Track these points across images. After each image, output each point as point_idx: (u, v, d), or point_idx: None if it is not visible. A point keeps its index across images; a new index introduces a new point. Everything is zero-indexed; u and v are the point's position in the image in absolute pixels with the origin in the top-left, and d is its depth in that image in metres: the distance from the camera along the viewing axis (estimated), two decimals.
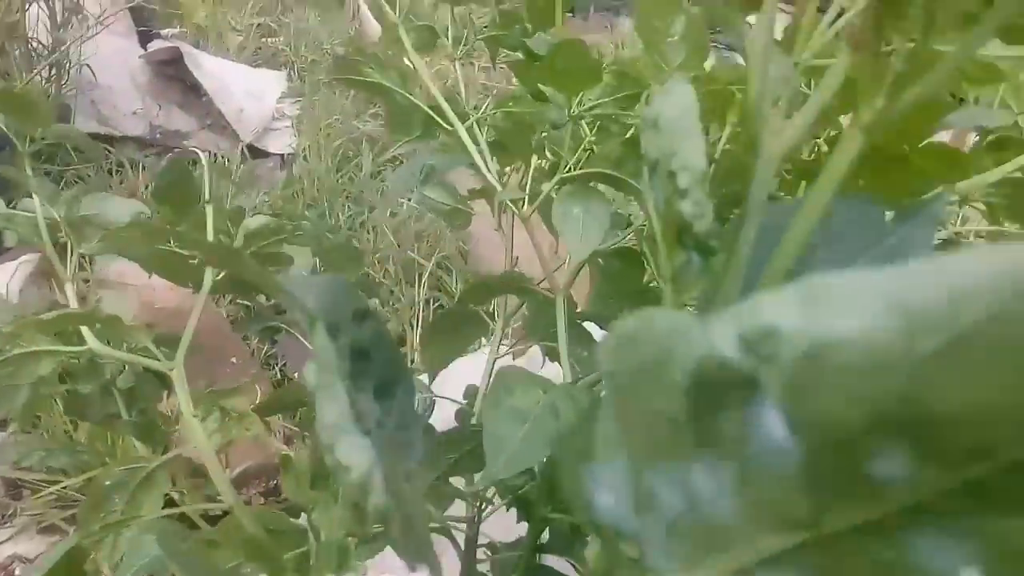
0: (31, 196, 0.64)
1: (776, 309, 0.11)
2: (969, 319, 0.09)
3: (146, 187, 2.05)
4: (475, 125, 0.54)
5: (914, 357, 0.10)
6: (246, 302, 1.55)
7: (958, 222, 0.65)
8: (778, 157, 0.21)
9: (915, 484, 0.11)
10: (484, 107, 0.54)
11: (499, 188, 0.48)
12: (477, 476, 0.66)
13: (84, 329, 0.56)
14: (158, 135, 2.37)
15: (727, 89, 0.39)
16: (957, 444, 0.10)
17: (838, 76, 0.21)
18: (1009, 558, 0.11)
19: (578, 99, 0.46)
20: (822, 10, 0.32)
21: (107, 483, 0.55)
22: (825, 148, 0.45)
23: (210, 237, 0.60)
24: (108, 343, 0.57)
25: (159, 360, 0.56)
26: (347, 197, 2.24)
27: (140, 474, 0.55)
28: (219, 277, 0.62)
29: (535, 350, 0.77)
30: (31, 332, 0.55)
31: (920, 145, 0.45)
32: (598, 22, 4.17)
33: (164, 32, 3.00)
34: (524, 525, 0.59)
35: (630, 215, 0.71)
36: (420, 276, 1.85)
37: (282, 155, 2.49)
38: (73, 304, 0.59)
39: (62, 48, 2.03)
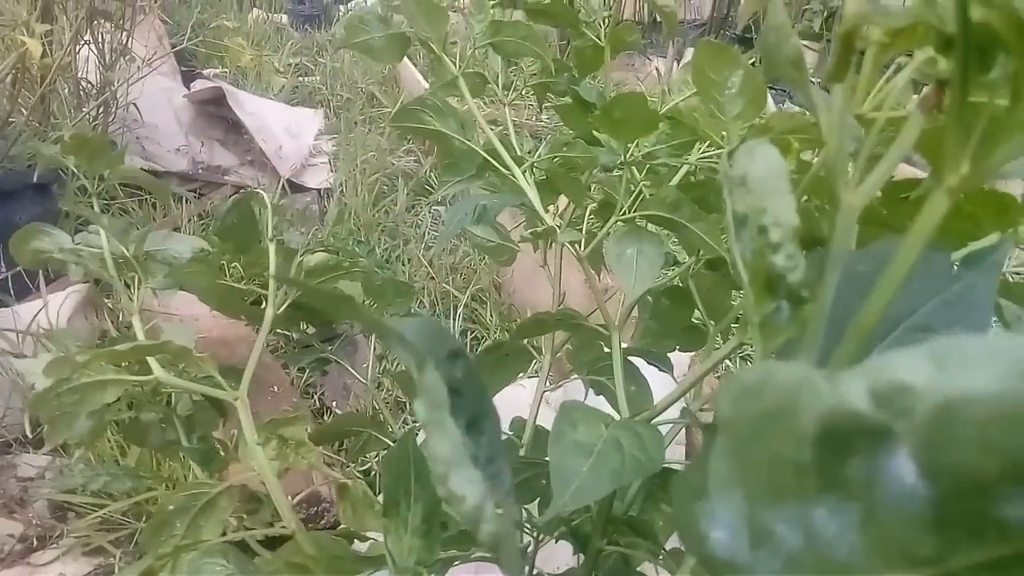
0: (86, 229, 0.67)
1: (908, 368, 0.12)
2: None
3: (188, 220, 2.10)
4: (531, 168, 0.55)
5: None
6: (286, 332, 1.58)
7: (1010, 263, 0.65)
8: (856, 212, 0.23)
9: None
10: (537, 151, 0.55)
11: (559, 231, 0.49)
12: (526, 507, 0.67)
13: (150, 359, 0.58)
14: (200, 171, 2.43)
15: (784, 138, 0.40)
16: None
17: (910, 138, 0.22)
18: None
19: (634, 145, 0.48)
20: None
21: (170, 507, 0.56)
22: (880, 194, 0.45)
23: (272, 274, 0.62)
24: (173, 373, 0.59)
25: (224, 389, 0.57)
26: (382, 231, 2.28)
27: (202, 499, 0.56)
28: (280, 311, 0.64)
29: (573, 382, 0.78)
30: (100, 362, 0.57)
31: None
32: (621, 61, 4.22)
33: (207, 72, 3.09)
34: (566, 557, 0.59)
35: (676, 254, 0.73)
36: (455, 308, 1.87)
37: (319, 190, 2.54)
38: (140, 335, 0.61)
39: (110, 88, 2.10)
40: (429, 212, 2.34)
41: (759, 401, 0.15)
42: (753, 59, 0.46)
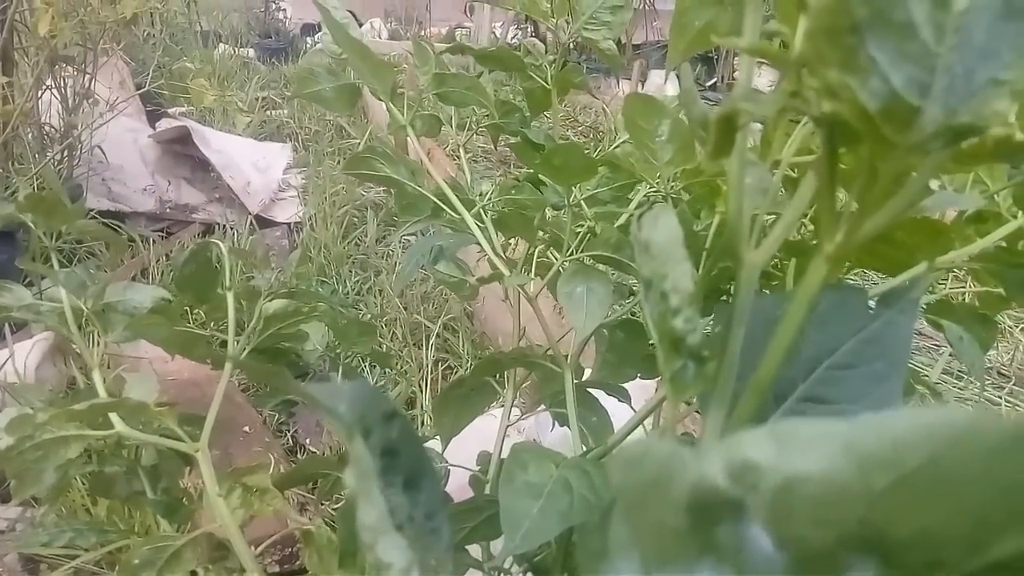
0: (43, 282, 0.67)
1: (755, 447, 0.13)
2: (913, 463, 0.12)
3: (156, 260, 2.09)
4: (481, 210, 0.57)
5: (868, 492, 0.12)
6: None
7: (949, 282, 0.67)
8: (757, 268, 0.24)
9: None
10: (489, 192, 0.57)
11: (507, 273, 0.51)
12: (492, 543, 0.68)
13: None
14: (168, 210, 2.42)
15: (714, 180, 0.42)
16: (915, 559, 0.13)
17: (807, 196, 0.24)
18: None
19: (576, 188, 0.49)
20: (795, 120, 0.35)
21: (136, 561, 0.56)
22: (811, 226, 0.47)
23: (231, 323, 0.63)
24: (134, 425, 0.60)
25: (184, 441, 0.58)
26: (353, 263, 2.28)
27: (167, 552, 0.57)
28: (242, 357, 0.64)
29: (545, 411, 0.79)
30: (61, 420, 0.57)
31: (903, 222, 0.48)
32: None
33: (172, 111, 3.09)
34: None
35: (632, 285, 0.74)
36: (428, 338, 1.87)
37: (289, 224, 2.54)
38: (100, 390, 0.62)
39: (74, 132, 2.09)
40: (400, 243, 2.35)
41: (641, 472, 0.16)
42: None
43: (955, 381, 1.92)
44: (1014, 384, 1.98)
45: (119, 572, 0.56)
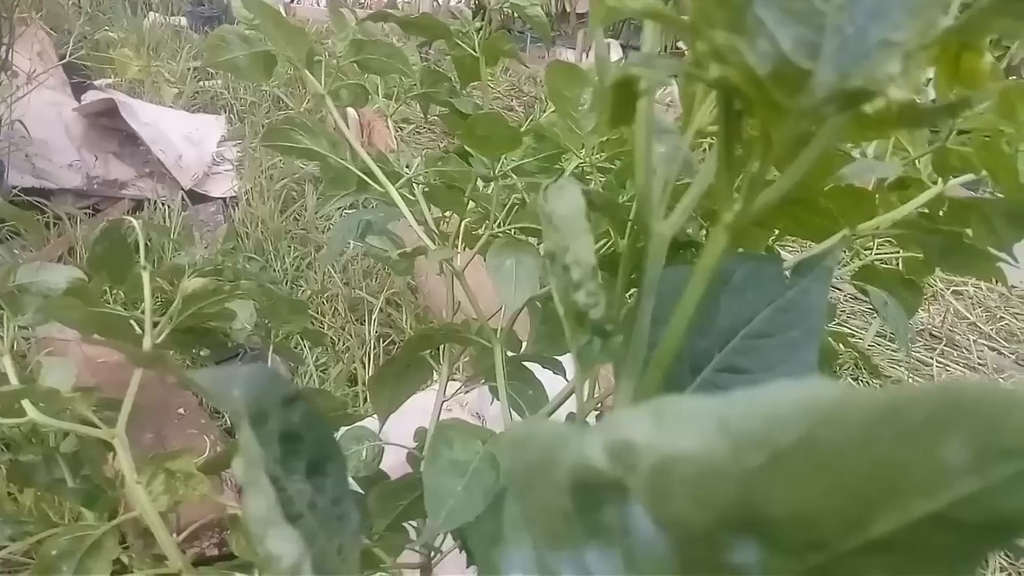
0: None
1: (632, 426, 0.13)
2: (786, 440, 0.11)
3: (83, 239, 2.02)
4: (412, 183, 0.55)
5: (743, 471, 0.12)
6: (192, 350, 1.53)
7: (875, 248, 0.68)
8: (666, 240, 0.23)
9: (768, 570, 0.13)
10: (415, 165, 0.55)
11: (432, 247, 0.50)
12: (429, 520, 0.67)
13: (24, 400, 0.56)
14: (95, 186, 2.33)
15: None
16: (794, 538, 0.12)
17: (711, 171, 0.23)
18: None
19: (501, 161, 0.48)
20: None
21: (54, 552, 0.54)
22: None
23: (147, 302, 0.60)
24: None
25: (99, 427, 0.56)
26: (292, 238, 2.24)
27: (88, 541, 0.55)
28: (159, 340, 0.62)
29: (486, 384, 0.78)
30: None
31: (826, 188, 0.48)
32: (534, 53, 4.25)
33: (98, 83, 2.97)
34: (469, 566, 0.60)
35: None
36: (370, 313, 1.85)
37: (224, 199, 2.47)
38: (12, 376, 0.59)
39: None
40: (340, 217, 2.31)
41: (526, 454, 0.15)
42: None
43: (889, 344, 1.98)
44: (944, 345, 2.05)
45: (37, 564, 0.54)
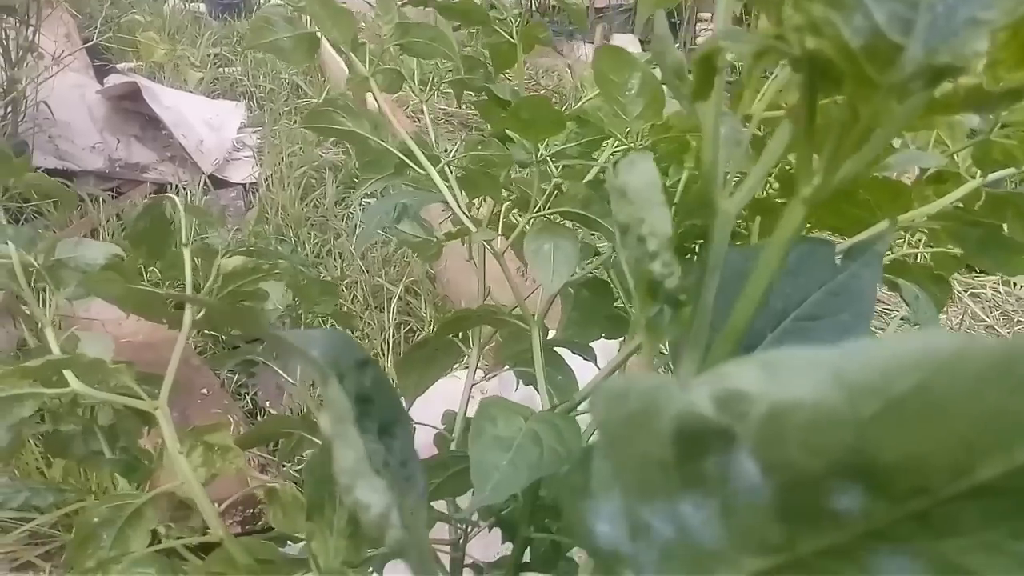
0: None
1: (742, 376, 0.13)
2: (901, 388, 0.12)
3: (107, 221, 2.04)
4: (446, 167, 0.56)
5: (857, 418, 0.12)
6: (213, 333, 1.55)
7: (905, 245, 0.68)
8: (732, 218, 0.24)
9: (870, 515, 0.13)
10: (454, 149, 0.56)
11: (473, 229, 0.50)
12: (459, 499, 0.68)
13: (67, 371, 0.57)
14: (117, 168, 2.35)
15: (683, 136, 0.42)
16: (900, 484, 0.13)
17: (779, 148, 0.24)
18: (948, 571, 0.14)
19: (544, 144, 0.49)
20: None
21: (95, 520, 0.55)
22: (776, 185, 0.48)
23: (188, 279, 0.61)
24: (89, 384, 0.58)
25: (142, 399, 0.57)
26: (312, 225, 2.25)
27: (127, 510, 0.56)
28: (199, 316, 0.63)
29: (508, 371, 0.79)
30: (14, 378, 0.56)
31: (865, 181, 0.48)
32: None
33: (120, 66, 2.99)
34: (504, 544, 0.61)
35: (597, 244, 0.74)
36: (389, 301, 1.86)
37: (244, 185, 2.49)
38: (54, 347, 0.60)
39: (18, 87, 2.01)
40: (360, 205, 2.32)
41: (625, 405, 0.16)
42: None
43: None
44: None
45: (77, 532, 0.55)
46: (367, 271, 2.00)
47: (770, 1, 0.18)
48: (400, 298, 1.89)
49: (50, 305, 0.63)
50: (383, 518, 0.21)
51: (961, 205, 0.53)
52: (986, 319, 2.21)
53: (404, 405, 0.72)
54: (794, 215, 0.20)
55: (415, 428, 0.72)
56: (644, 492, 0.17)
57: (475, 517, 0.58)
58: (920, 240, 0.67)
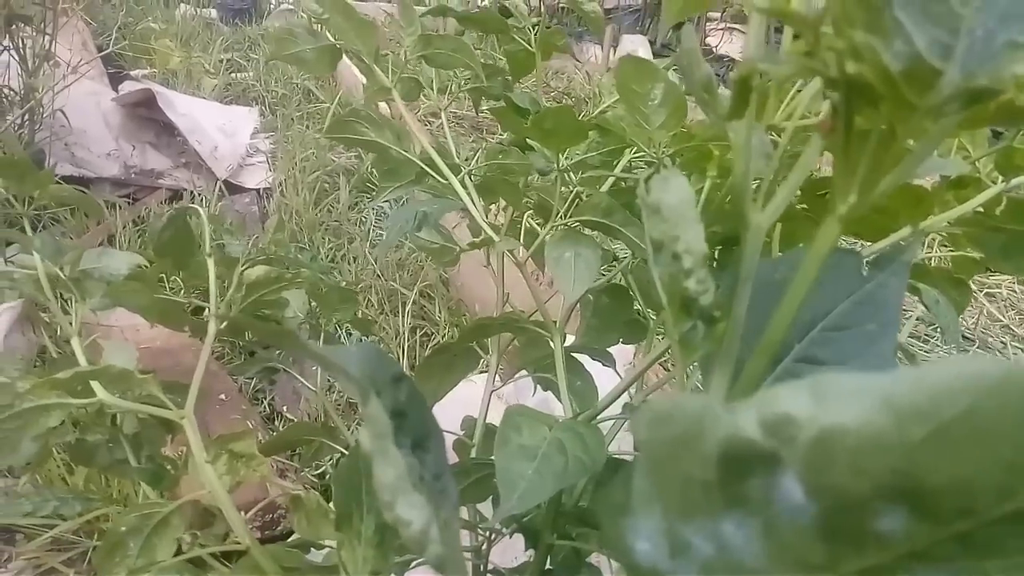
0: (6, 250, 0.66)
1: (790, 400, 0.14)
2: (949, 413, 0.12)
3: (123, 227, 2.05)
4: (466, 176, 0.56)
5: (905, 442, 0.12)
6: (230, 339, 1.56)
7: (923, 248, 0.68)
8: (763, 232, 0.24)
9: (913, 536, 0.14)
10: (474, 157, 0.56)
11: (496, 239, 0.51)
12: (479, 506, 0.69)
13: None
14: (133, 175, 2.37)
15: (705, 145, 0.42)
16: (946, 506, 0.13)
17: (812, 159, 0.24)
18: None
19: (564, 153, 0.49)
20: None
21: (123, 528, 0.56)
22: (798, 192, 0.48)
23: (213, 289, 0.62)
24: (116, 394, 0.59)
25: (169, 408, 0.57)
26: (326, 230, 2.26)
27: (154, 519, 0.56)
28: (223, 326, 0.64)
29: (526, 377, 0.79)
30: (43, 389, 0.57)
31: None
32: None
33: (135, 73, 3.01)
34: (524, 551, 0.61)
35: (615, 250, 0.74)
36: (403, 305, 1.87)
37: (258, 190, 2.51)
38: (81, 358, 0.61)
39: (35, 95, 2.03)
40: (373, 210, 2.33)
41: (670, 427, 0.16)
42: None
43: (921, 344, 1.97)
44: (977, 347, 2.03)
45: (104, 541, 0.55)
46: (381, 275, 2.01)
47: (806, 24, 0.18)
48: (414, 302, 1.89)
49: (75, 314, 0.63)
50: (424, 534, 0.21)
51: (982, 210, 0.53)
52: (1002, 318, 2.20)
53: (436, 420, 0.72)
54: (830, 232, 0.21)
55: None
56: (686, 511, 0.17)
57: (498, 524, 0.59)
58: (936, 241, 0.67)
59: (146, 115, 2.51)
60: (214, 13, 4.39)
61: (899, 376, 0.13)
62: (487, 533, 0.56)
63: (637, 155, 0.54)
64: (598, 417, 0.54)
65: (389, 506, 0.21)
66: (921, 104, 0.18)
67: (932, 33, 0.17)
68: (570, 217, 0.51)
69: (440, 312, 1.89)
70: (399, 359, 1.72)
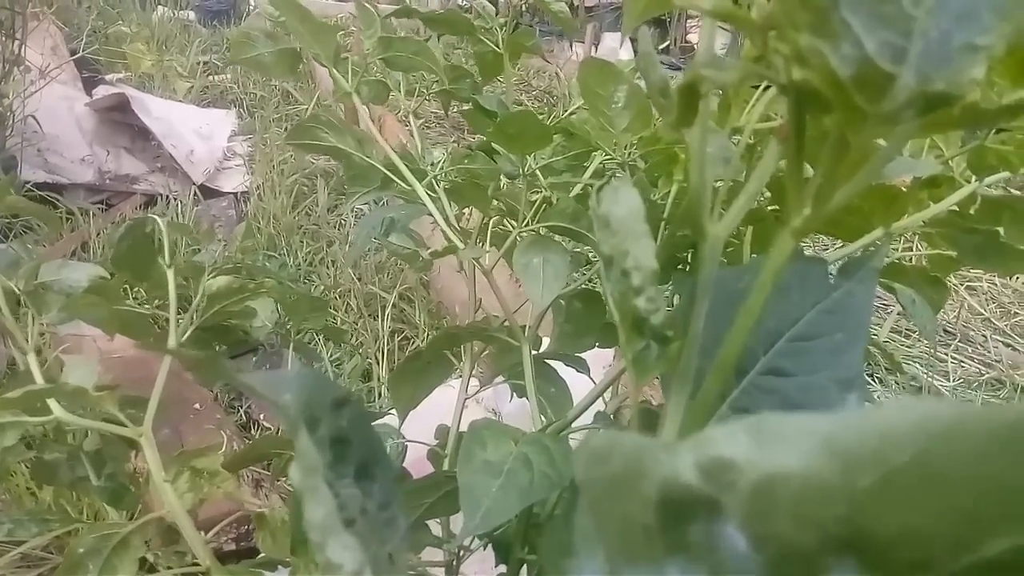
0: None
1: (730, 443, 0.12)
2: (900, 459, 0.11)
3: (97, 234, 2.02)
4: (433, 180, 0.55)
5: (852, 490, 0.11)
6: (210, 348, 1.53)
7: (900, 247, 0.68)
8: (721, 243, 0.23)
9: None
10: (441, 162, 0.55)
11: (461, 246, 0.49)
12: (451, 518, 0.67)
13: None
14: (107, 181, 2.34)
15: (671, 149, 0.41)
16: (899, 558, 0.12)
17: (770, 165, 0.23)
18: None
19: (531, 158, 0.48)
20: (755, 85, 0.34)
21: (81, 550, 0.54)
22: (768, 193, 0.47)
23: (172, 300, 0.60)
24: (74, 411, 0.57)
25: (127, 425, 0.56)
26: (304, 233, 2.24)
27: (114, 539, 0.55)
28: (184, 339, 0.62)
29: (502, 381, 0.78)
30: None
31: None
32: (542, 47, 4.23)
33: (109, 77, 2.97)
34: (498, 564, 0.60)
35: (589, 254, 0.73)
36: (383, 309, 1.85)
37: (235, 194, 2.48)
38: (37, 375, 0.59)
39: (5, 101, 2.00)
40: (352, 212, 2.31)
41: (607, 466, 0.15)
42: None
43: (903, 340, 1.97)
44: (959, 341, 2.04)
45: (64, 563, 0.54)
46: (360, 279, 1.99)
47: (754, 28, 0.17)
48: (394, 305, 1.87)
49: (33, 328, 0.61)
50: None
51: (957, 209, 0.52)
52: (983, 312, 2.21)
53: (389, 430, 0.71)
54: (783, 246, 0.19)
55: (407, 446, 0.71)
56: (628, 554, 0.16)
57: (470, 540, 0.57)
58: (916, 238, 0.66)
59: (120, 120, 2.47)
60: (192, 15, 4.34)
61: (843, 418, 0.12)
62: (457, 551, 0.54)
63: (608, 159, 0.53)
64: (571, 426, 0.52)
65: (320, 547, 0.20)
66: (874, 111, 0.16)
67: (883, 36, 0.16)
68: (538, 222, 0.50)
69: (420, 315, 1.88)
70: (379, 363, 1.70)
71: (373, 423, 0.76)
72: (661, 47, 4.51)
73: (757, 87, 0.37)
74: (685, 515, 0.14)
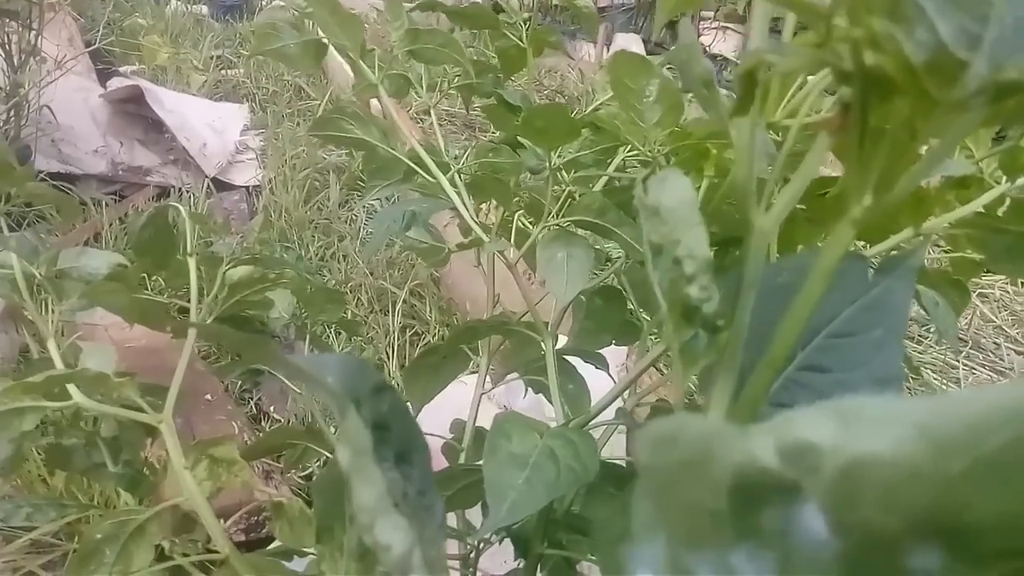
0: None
1: (813, 427, 0.12)
2: (993, 444, 0.11)
3: (110, 225, 2.03)
4: (455, 174, 0.55)
5: (943, 475, 0.11)
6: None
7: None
8: (768, 236, 0.23)
9: None
10: (464, 156, 0.55)
11: (486, 239, 0.49)
12: (468, 512, 0.67)
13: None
14: (120, 172, 2.34)
15: (702, 144, 0.41)
16: (988, 546, 0.12)
17: (818, 160, 0.23)
18: None
19: (556, 152, 0.48)
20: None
21: (97, 536, 0.54)
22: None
23: (193, 289, 0.60)
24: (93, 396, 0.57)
25: (147, 412, 0.56)
26: (315, 228, 2.24)
27: (131, 526, 0.55)
28: (197, 331, 0.62)
29: (516, 378, 0.78)
30: (16, 393, 0.55)
31: None
32: None
33: (123, 69, 2.98)
34: (513, 557, 0.59)
35: (609, 250, 0.73)
36: (394, 304, 1.85)
37: (247, 187, 2.48)
38: (57, 361, 0.59)
39: (21, 91, 2.00)
40: (363, 208, 2.31)
41: (674, 451, 0.15)
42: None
43: (915, 345, 1.97)
44: (971, 348, 2.03)
45: (80, 548, 0.54)
46: (371, 274, 1.99)
47: (820, 13, 0.17)
48: (405, 301, 1.87)
49: (52, 315, 0.62)
50: (406, 559, 0.20)
51: (984, 211, 0.52)
52: (995, 319, 2.20)
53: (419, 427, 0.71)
54: (843, 236, 0.19)
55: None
56: (692, 540, 0.15)
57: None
58: (935, 242, 0.66)
59: (134, 111, 2.48)
60: (205, 9, 4.35)
61: (934, 403, 0.11)
62: (475, 542, 0.54)
63: (631, 154, 0.53)
64: (592, 422, 0.52)
65: (368, 528, 0.20)
66: (944, 98, 0.16)
67: (958, 21, 0.15)
68: (562, 217, 0.50)
69: (431, 311, 1.87)
70: (390, 359, 1.70)
71: None
72: (672, 48, 4.49)
73: (791, 84, 0.37)
74: (760, 500, 0.14)
